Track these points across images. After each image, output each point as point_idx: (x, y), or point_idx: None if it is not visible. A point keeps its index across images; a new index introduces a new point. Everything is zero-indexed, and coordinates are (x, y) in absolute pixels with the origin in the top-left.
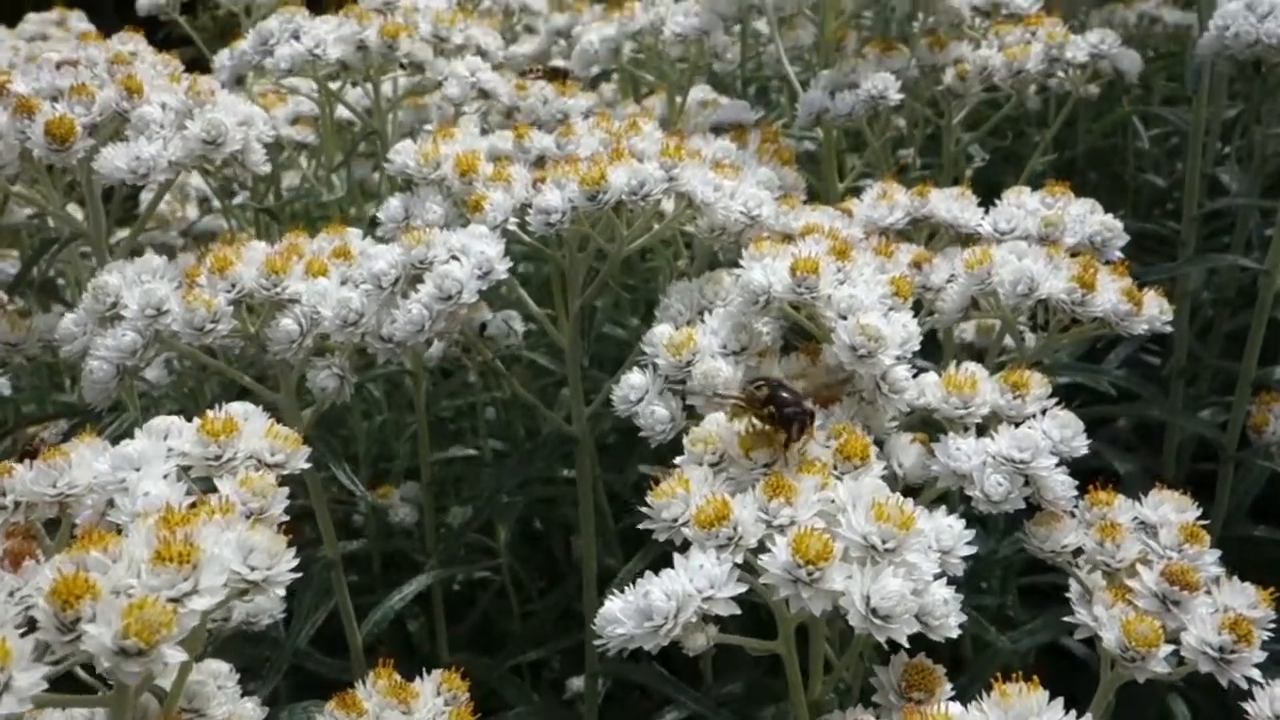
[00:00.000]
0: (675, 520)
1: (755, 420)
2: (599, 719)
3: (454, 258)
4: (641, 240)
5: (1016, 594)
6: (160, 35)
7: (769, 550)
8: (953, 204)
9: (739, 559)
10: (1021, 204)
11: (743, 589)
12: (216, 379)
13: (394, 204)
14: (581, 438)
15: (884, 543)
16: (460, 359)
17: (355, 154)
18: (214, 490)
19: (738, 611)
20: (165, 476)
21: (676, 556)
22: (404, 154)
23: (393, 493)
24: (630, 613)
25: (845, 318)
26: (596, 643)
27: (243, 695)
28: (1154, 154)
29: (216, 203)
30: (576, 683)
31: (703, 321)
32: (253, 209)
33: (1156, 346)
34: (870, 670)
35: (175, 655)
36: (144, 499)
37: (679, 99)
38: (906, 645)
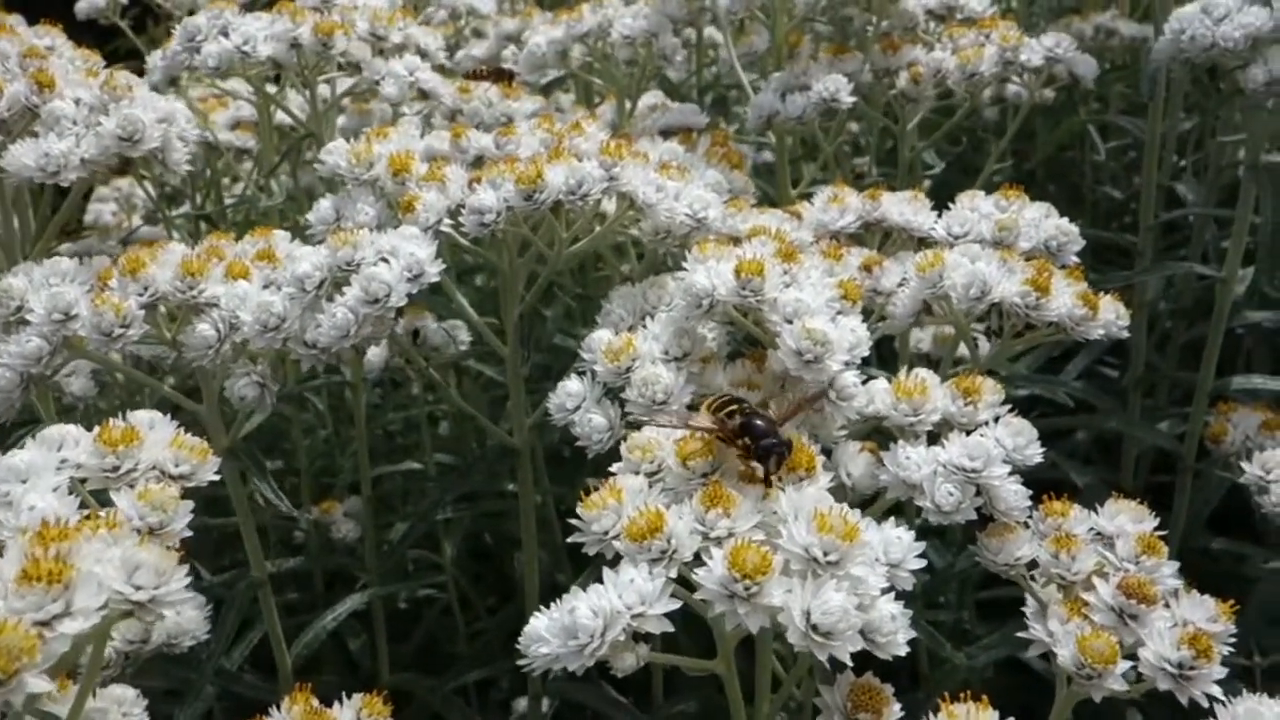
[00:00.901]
0: (606, 533)
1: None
2: None
3: (383, 260)
4: (583, 244)
5: (974, 609)
6: (109, 48)
7: (705, 564)
8: (905, 207)
9: (673, 573)
10: (975, 207)
11: (676, 605)
12: (150, 392)
13: (324, 205)
14: (523, 449)
15: (826, 555)
16: (405, 370)
17: (299, 160)
18: None
19: (670, 629)
20: (55, 489)
21: (606, 571)
22: (336, 154)
23: (335, 508)
24: (555, 631)
25: (791, 322)
26: (521, 662)
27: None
28: (1111, 167)
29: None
30: (524, 703)
31: (645, 327)
32: (192, 216)
33: (1114, 359)
34: (819, 686)
35: (38, 684)
36: (28, 513)
37: (629, 105)
38: (850, 664)
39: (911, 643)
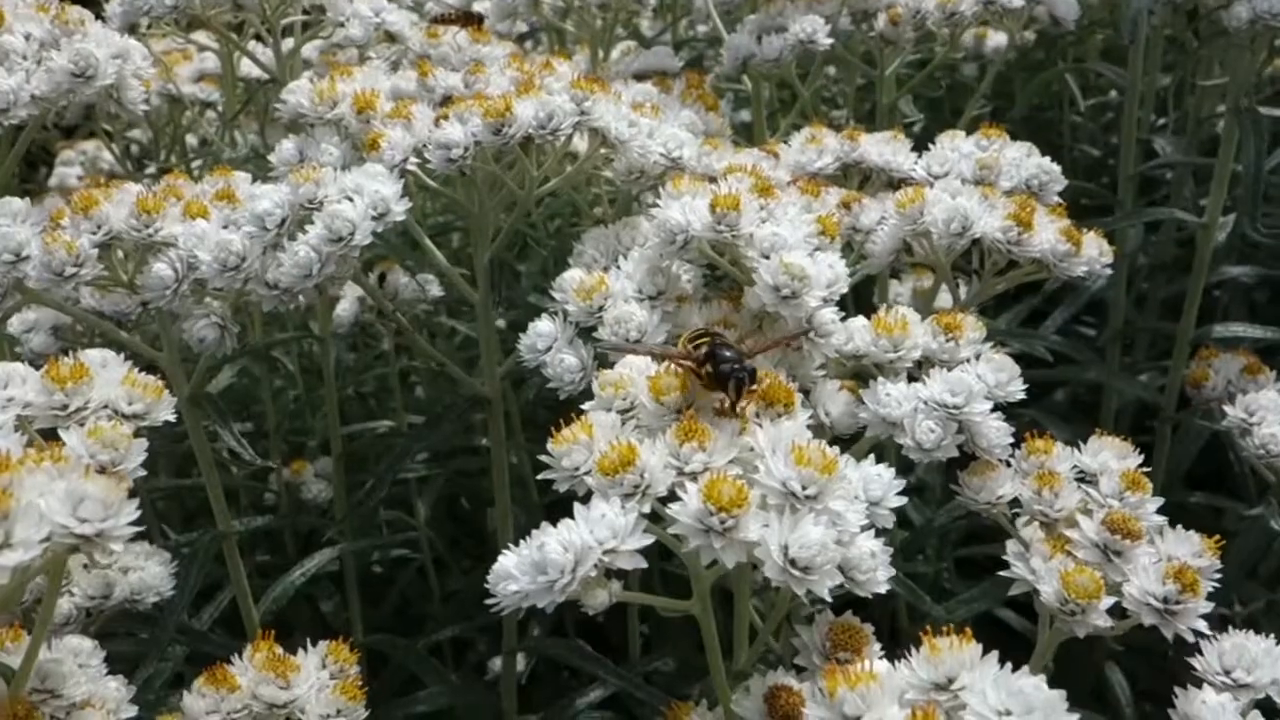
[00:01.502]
0: (577, 469)
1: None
2: (525, 700)
3: (347, 198)
4: (555, 183)
5: (954, 565)
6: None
7: (680, 500)
8: (884, 148)
9: (646, 508)
10: (956, 147)
11: (649, 540)
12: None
13: (287, 146)
14: (495, 399)
15: (804, 489)
16: (377, 324)
17: (267, 117)
18: None
19: (643, 565)
20: (1, 427)
21: (576, 506)
22: (298, 93)
23: (306, 469)
24: (524, 567)
25: (768, 257)
26: (489, 602)
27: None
28: (1089, 127)
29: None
30: (499, 662)
31: (618, 267)
32: (158, 175)
33: (1092, 317)
34: (796, 636)
35: None
36: None
37: (601, 55)
38: (828, 599)
39: (890, 597)
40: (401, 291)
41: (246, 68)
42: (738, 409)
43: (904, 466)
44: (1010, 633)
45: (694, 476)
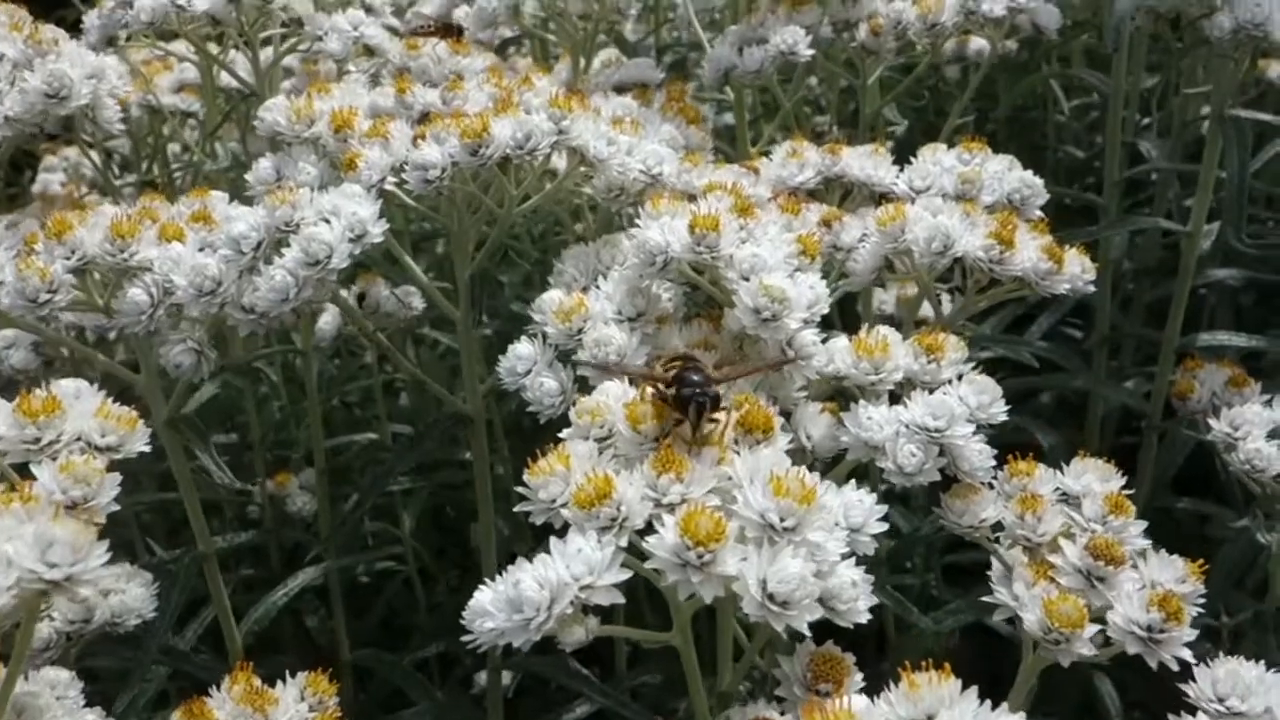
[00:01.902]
0: (554, 501)
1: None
2: (511, 715)
3: (324, 220)
4: (534, 201)
5: (941, 573)
6: (56, 16)
7: (657, 532)
8: (866, 162)
9: (623, 541)
10: (938, 161)
11: (626, 575)
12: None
13: (264, 165)
14: (477, 416)
15: (783, 520)
16: (359, 338)
17: (249, 126)
18: None
19: (620, 600)
20: None
21: (553, 541)
22: (275, 111)
23: (290, 482)
24: (500, 604)
25: (748, 279)
26: (465, 638)
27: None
28: (1074, 128)
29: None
30: (485, 677)
31: (597, 287)
32: (139, 184)
33: (1078, 320)
34: (783, 659)
35: None
36: None
37: (583, 63)
38: (809, 634)
39: (877, 609)
40: (383, 305)
41: (227, 78)
42: (698, 435)
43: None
44: (999, 639)
45: (671, 508)
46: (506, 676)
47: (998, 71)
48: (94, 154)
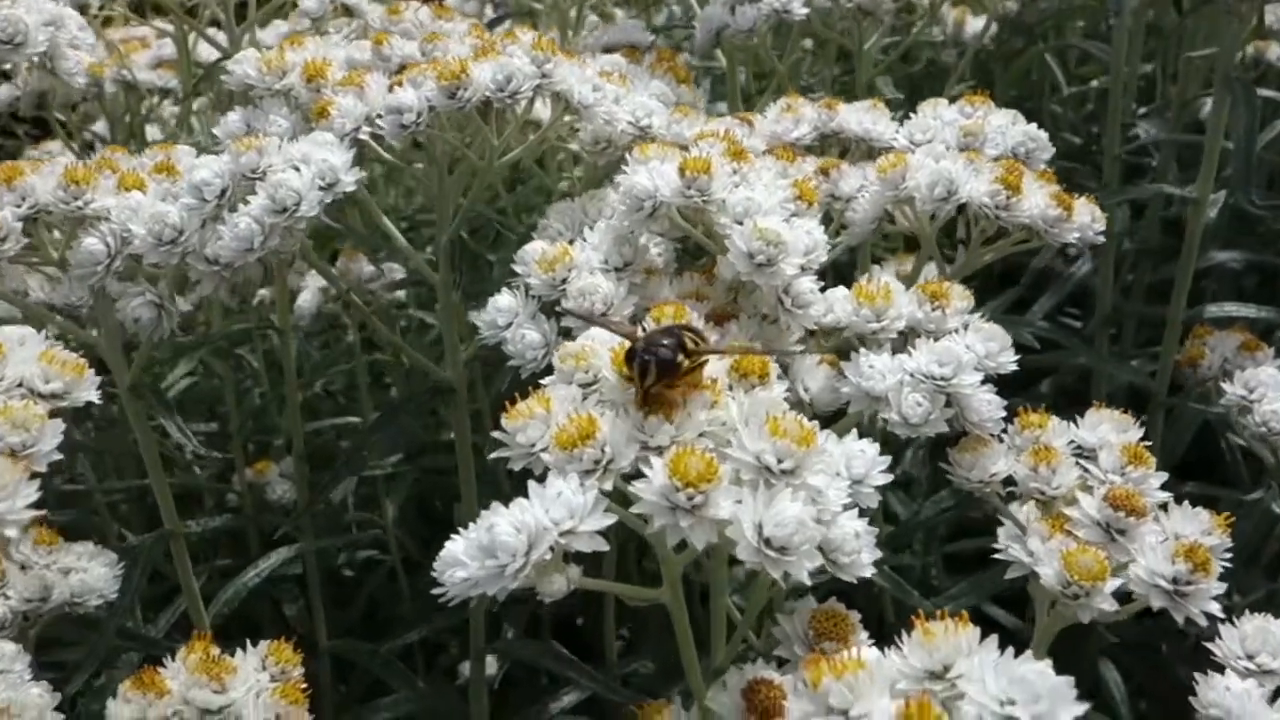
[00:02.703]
0: (533, 445)
1: None
2: (499, 705)
3: (293, 168)
4: (517, 152)
5: (941, 561)
6: None
7: (645, 476)
8: (864, 116)
9: (608, 485)
10: (939, 115)
11: (610, 520)
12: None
13: (233, 119)
14: (459, 385)
15: (780, 462)
16: (340, 316)
17: (223, 97)
18: None
19: (605, 547)
20: None
21: (531, 484)
22: (245, 63)
23: (270, 469)
24: (473, 552)
25: (741, 223)
26: (436, 591)
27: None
28: (1070, 117)
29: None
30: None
31: (584, 239)
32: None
33: (1077, 309)
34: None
35: None
36: None
37: (570, 33)
38: (807, 582)
39: (876, 593)
40: (365, 279)
41: (206, 52)
42: (644, 397)
43: (892, 459)
44: (1000, 630)
45: (660, 451)
46: (492, 665)
47: (993, 58)
48: (72, 143)
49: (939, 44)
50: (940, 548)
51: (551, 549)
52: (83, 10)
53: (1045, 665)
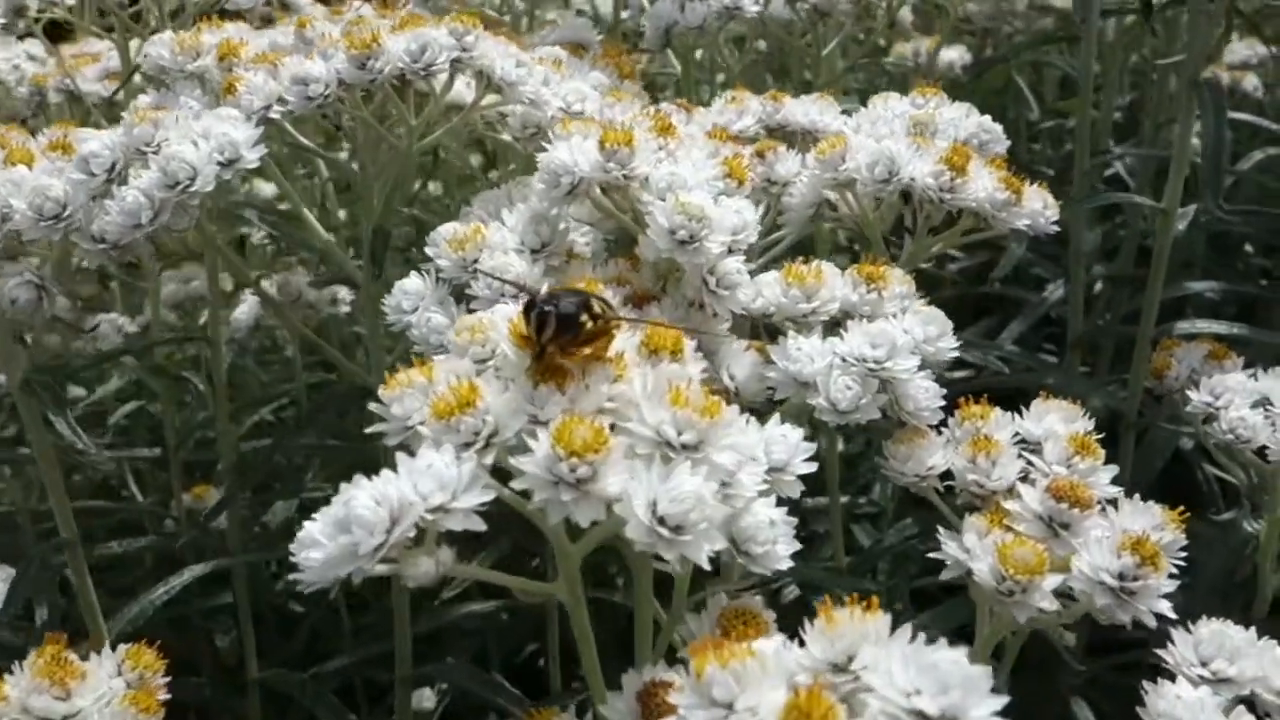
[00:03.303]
0: (409, 418)
1: None
2: None
3: (192, 143)
4: (438, 134)
5: (909, 596)
6: None
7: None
8: (810, 108)
9: (488, 460)
10: (889, 107)
11: (488, 498)
12: None
13: (142, 101)
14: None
15: (680, 434)
16: (277, 329)
17: None
18: None
19: (482, 527)
20: None
21: (399, 456)
22: (159, 44)
23: (210, 492)
24: (328, 529)
25: (664, 199)
26: (294, 576)
27: None
28: (1047, 154)
29: None
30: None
31: (501, 222)
32: None
33: (1051, 345)
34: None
35: None
36: None
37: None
38: (705, 566)
39: None
40: (304, 295)
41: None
42: (542, 360)
43: (859, 490)
44: None
45: (550, 425)
46: (432, 698)
47: (967, 93)
48: None
49: (910, 71)
50: (910, 581)
51: (418, 526)
52: (20, 12)
53: (959, 653)
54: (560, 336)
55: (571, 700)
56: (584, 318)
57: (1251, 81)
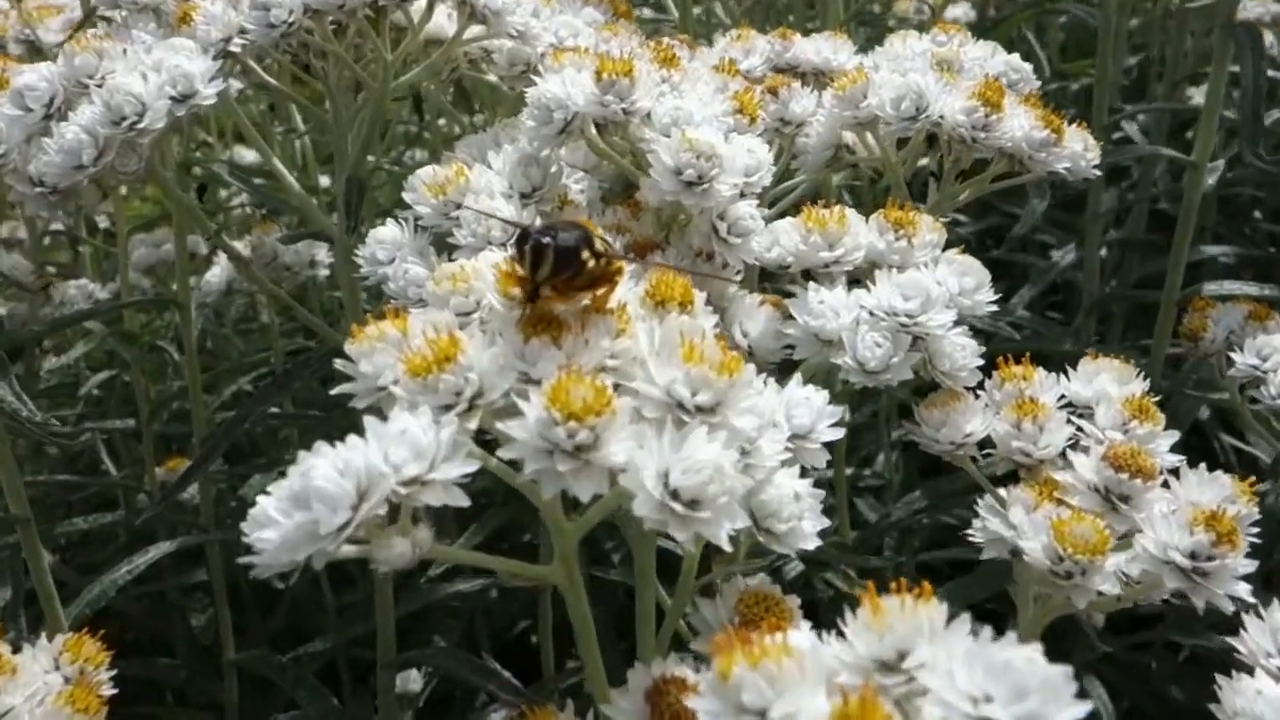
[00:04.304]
0: (379, 378)
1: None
2: None
3: (139, 75)
4: (418, 71)
5: (915, 570)
6: None
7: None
8: (823, 45)
9: (472, 425)
10: (909, 46)
11: (473, 468)
12: None
13: (91, 37)
14: None
15: (694, 395)
16: (253, 294)
17: None
18: None
19: (465, 502)
20: None
21: (368, 420)
22: None
23: (183, 465)
24: (284, 505)
25: (669, 135)
26: (244, 560)
27: None
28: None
29: None
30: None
31: (487, 166)
32: None
33: (1058, 314)
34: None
35: None
36: None
37: None
38: (726, 547)
39: (839, 598)
40: (280, 256)
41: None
42: (532, 303)
43: (862, 461)
44: None
45: (544, 383)
46: (418, 680)
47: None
48: None
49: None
50: (915, 557)
51: (390, 501)
52: None
53: (1033, 650)
54: (559, 274)
55: (565, 683)
56: (585, 254)
57: (1267, 39)
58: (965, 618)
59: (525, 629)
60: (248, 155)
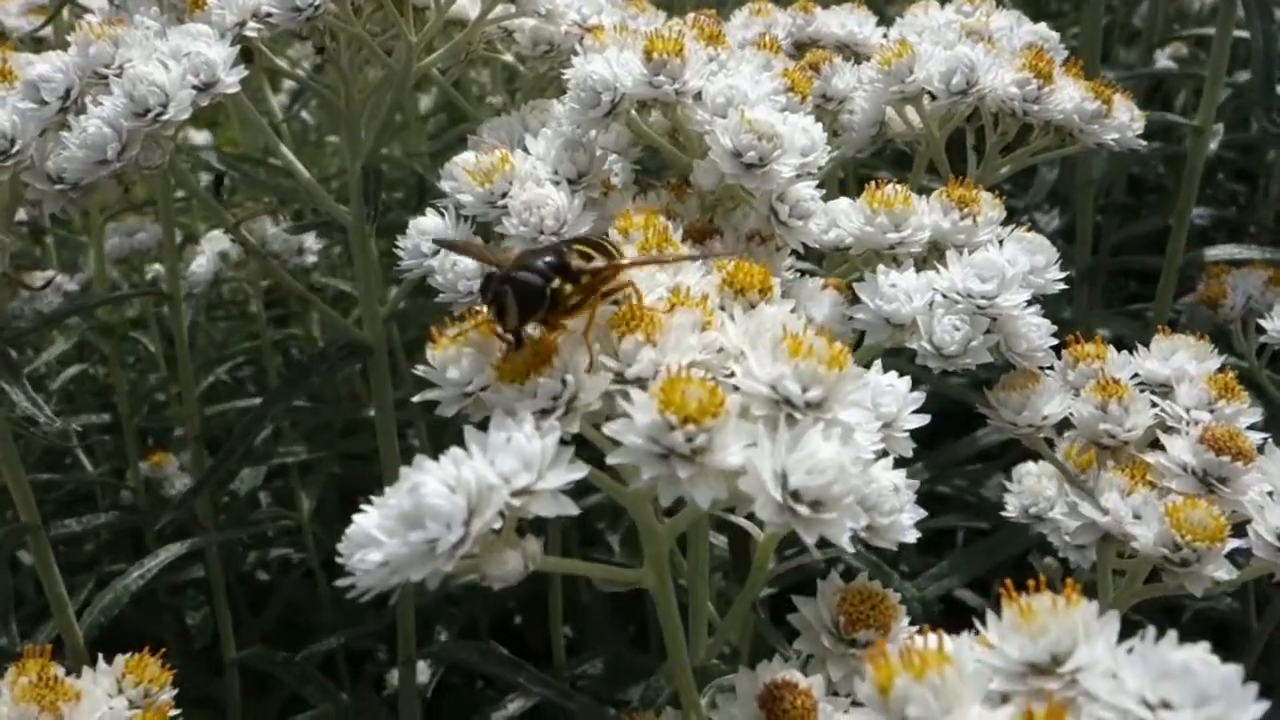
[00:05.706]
0: (469, 383)
1: None
2: (433, 716)
3: (160, 63)
4: (439, 54)
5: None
6: None
7: (624, 415)
8: (846, 18)
9: (574, 427)
10: (931, 17)
11: (580, 474)
12: None
13: (91, 20)
14: (376, 345)
15: (805, 391)
16: (241, 284)
17: None
18: None
19: (574, 511)
20: None
21: (469, 430)
22: None
23: (168, 461)
24: (391, 524)
25: (724, 116)
26: (341, 582)
27: None
28: None
29: None
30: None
31: (525, 150)
32: None
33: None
34: (763, 623)
35: None
36: None
37: None
38: (848, 548)
39: (847, 574)
40: (270, 244)
41: None
42: (510, 338)
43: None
44: (966, 615)
45: (640, 382)
46: (425, 672)
47: None
48: None
49: None
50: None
51: (502, 515)
52: None
53: (1203, 649)
54: (530, 315)
55: (575, 670)
56: (557, 283)
57: None
58: (1114, 614)
59: (508, 612)
60: (197, 137)
